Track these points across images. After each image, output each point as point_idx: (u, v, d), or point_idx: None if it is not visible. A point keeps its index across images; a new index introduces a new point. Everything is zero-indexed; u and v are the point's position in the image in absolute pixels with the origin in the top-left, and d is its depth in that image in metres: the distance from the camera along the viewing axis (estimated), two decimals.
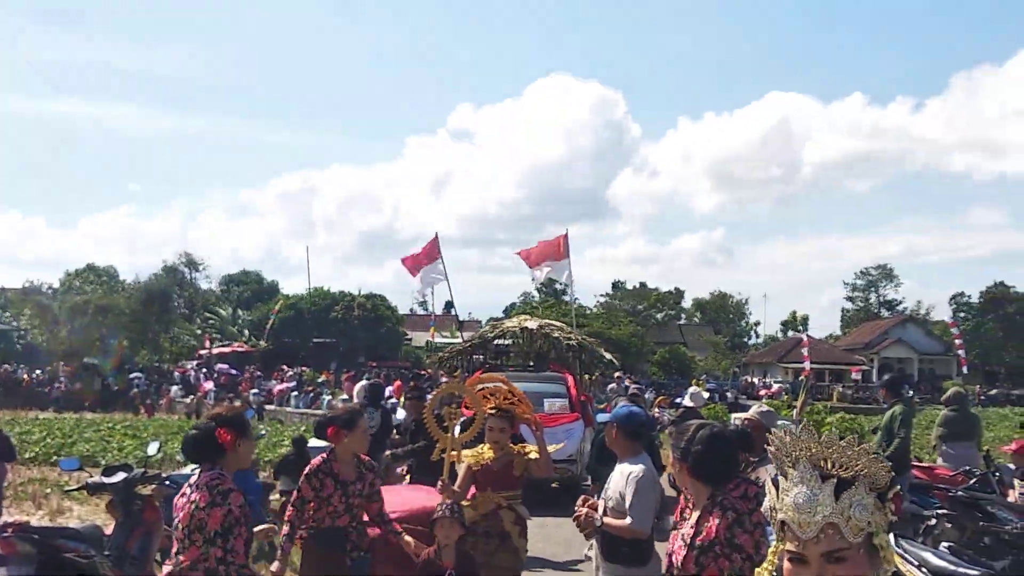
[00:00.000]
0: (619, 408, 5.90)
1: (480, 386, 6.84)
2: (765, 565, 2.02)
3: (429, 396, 16.93)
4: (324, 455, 5.77)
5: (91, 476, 7.82)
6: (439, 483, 6.04)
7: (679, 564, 3.72)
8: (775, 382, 52.36)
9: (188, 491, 4.43)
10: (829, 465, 1.78)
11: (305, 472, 5.70)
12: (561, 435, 11.70)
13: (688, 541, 3.71)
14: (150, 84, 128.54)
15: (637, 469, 5.11)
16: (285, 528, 5.72)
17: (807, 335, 50.17)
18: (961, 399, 11.07)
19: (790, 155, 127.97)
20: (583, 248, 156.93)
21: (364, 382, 13.80)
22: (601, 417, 6.00)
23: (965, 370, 48.87)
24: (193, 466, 10.04)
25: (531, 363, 16.85)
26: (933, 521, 8.17)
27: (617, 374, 20.82)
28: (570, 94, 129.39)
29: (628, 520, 4.97)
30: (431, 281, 23.24)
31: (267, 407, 30.18)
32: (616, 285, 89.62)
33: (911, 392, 44.55)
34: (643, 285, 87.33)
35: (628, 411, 5.53)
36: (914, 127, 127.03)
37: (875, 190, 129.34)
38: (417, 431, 9.22)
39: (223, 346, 45.41)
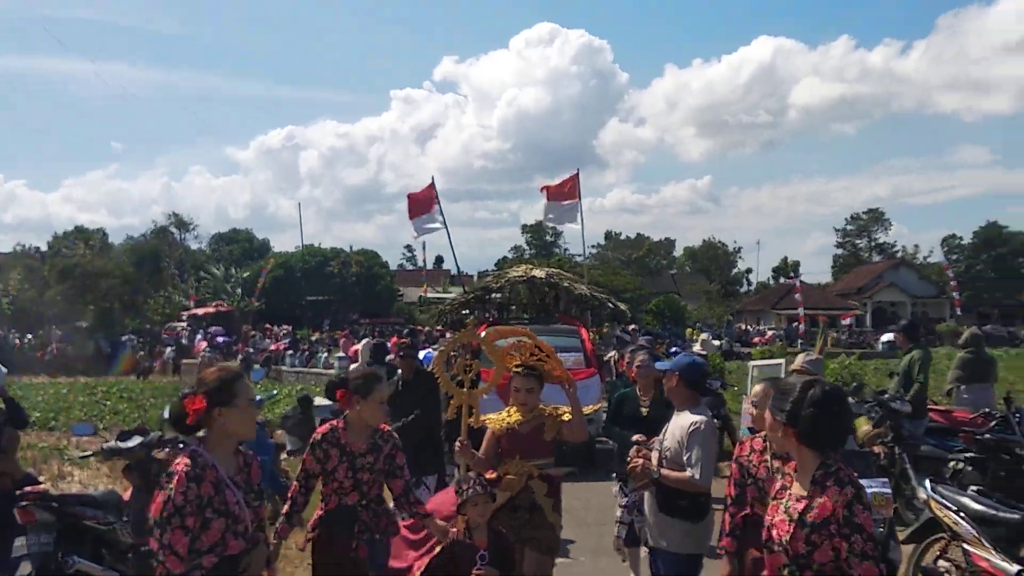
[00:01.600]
0: (681, 357, 5.59)
1: (500, 340, 6.09)
2: None
3: (424, 352, 16.70)
4: (333, 422, 5.18)
5: (106, 441, 7.66)
6: (457, 444, 5.49)
7: (784, 542, 3.22)
8: (768, 329, 52.46)
9: None
10: None
11: (310, 442, 5.12)
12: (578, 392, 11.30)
13: (796, 517, 3.20)
14: (131, 41, 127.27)
15: (699, 420, 4.96)
16: (286, 506, 5.14)
17: (800, 281, 50.20)
18: (977, 341, 10.96)
19: (777, 100, 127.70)
20: None
21: (368, 340, 13.56)
22: (661, 365, 5.57)
23: (959, 312, 49.21)
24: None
25: (533, 315, 15.75)
26: (960, 465, 8.09)
27: (632, 327, 19.70)
28: (556, 43, 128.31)
29: (689, 472, 4.85)
30: (426, 230, 22.45)
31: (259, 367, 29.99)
32: (609, 235, 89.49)
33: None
34: (639, 235, 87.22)
35: (691, 360, 5.37)
36: (901, 69, 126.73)
37: (862, 133, 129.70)
38: (404, 393, 8.45)
39: (205, 306, 45.28)
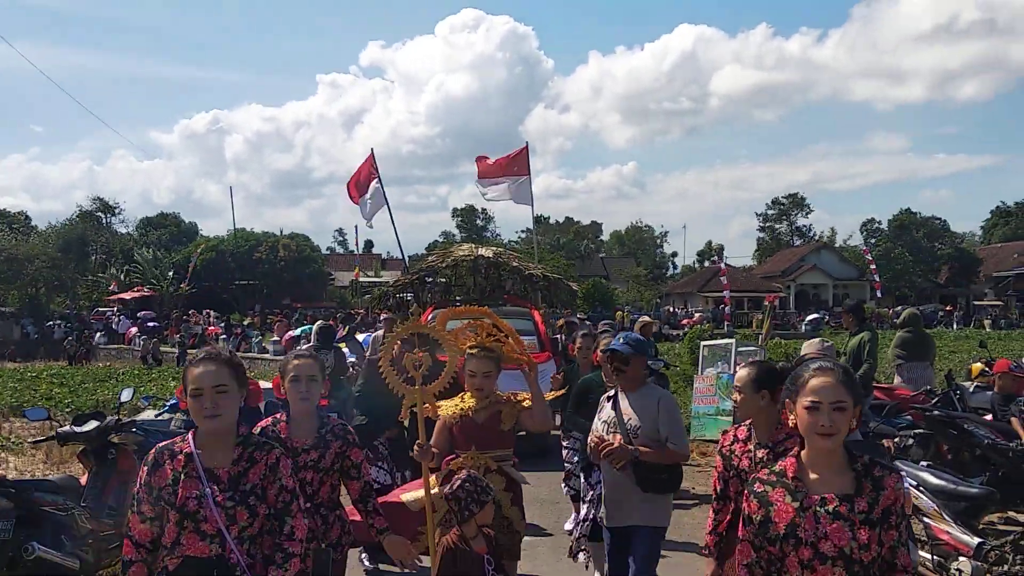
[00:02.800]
0: (631, 337, 5.20)
1: (451, 322, 5.50)
2: None
3: (364, 336, 16.28)
4: (276, 415, 4.60)
5: (61, 425, 7.47)
6: (416, 446, 4.72)
7: (851, 550, 2.79)
8: (696, 311, 53.35)
9: None
10: None
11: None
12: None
13: (856, 517, 2.81)
14: (50, 20, 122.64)
15: (664, 393, 5.03)
16: None
17: (725, 264, 51.08)
18: (915, 320, 11.28)
19: (699, 87, 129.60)
20: None
21: (320, 322, 13.37)
22: (617, 346, 5.01)
23: (879, 294, 50.72)
24: (155, 411, 9.77)
25: (479, 297, 14.41)
26: (909, 441, 8.35)
27: (580, 315, 18.02)
28: (481, 29, 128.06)
29: (672, 445, 4.84)
30: (373, 208, 20.44)
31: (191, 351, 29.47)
32: (538, 220, 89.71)
33: (827, 317, 46.30)
34: (567, 219, 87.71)
35: (642, 339, 5.34)
36: (818, 57, 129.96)
37: (781, 119, 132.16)
38: (371, 381, 7.42)
39: (130, 290, 44.11)
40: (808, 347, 6.75)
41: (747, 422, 4.35)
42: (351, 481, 4.43)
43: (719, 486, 4.38)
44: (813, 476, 2.93)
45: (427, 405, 4.86)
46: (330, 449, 4.35)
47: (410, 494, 5.21)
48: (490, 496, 4.38)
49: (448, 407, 5.00)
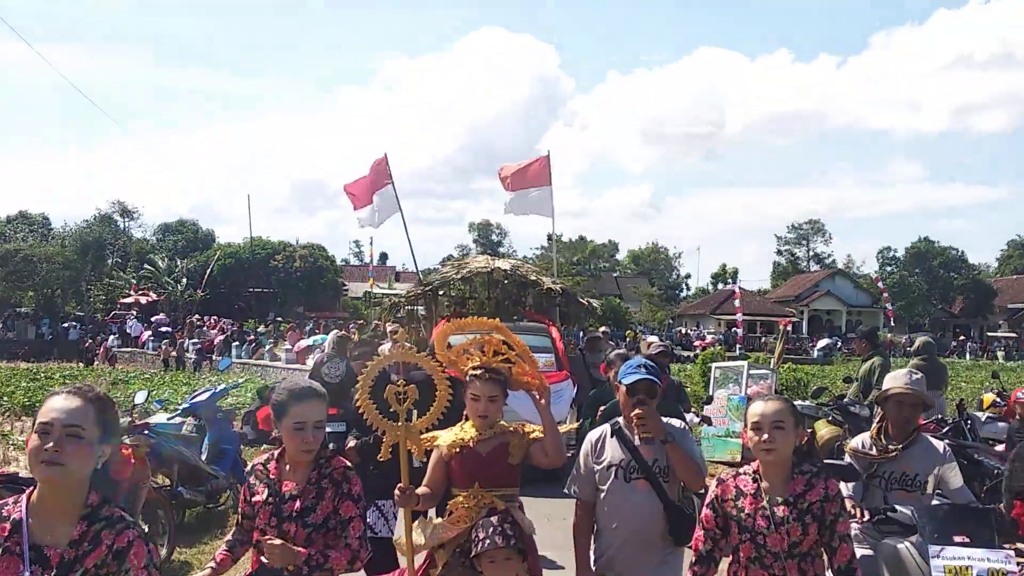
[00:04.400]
0: (642, 363, 4.50)
1: (454, 336, 4.65)
2: None
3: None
4: (273, 450, 3.85)
5: None
6: (397, 491, 3.95)
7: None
8: (708, 333, 53.29)
9: None
10: None
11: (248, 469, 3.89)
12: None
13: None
14: (84, 23, 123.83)
15: (679, 422, 4.50)
16: (224, 540, 3.93)
17: (739, 287, 51.01)
18: (930, 348, 11.23)
19: (717, 111, 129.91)
20: None
21: (335, 332, 13.30)
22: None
23: (892, 322, 50.56)
24: (168, 415, 9.82)
25: (494, 312, 13.92)
26: None
27: (603, 329, 17.03)
28: (502, 47, 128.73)
29: (697, 464, 4.27)
30: (385, 213, 19.16)
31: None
32: (550, 237, 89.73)
33: (840, 343, 46.13)
34: (582, 238, 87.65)
35: (655, 366, 4.56)
36: (837, 84, 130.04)
37: (800, 145, 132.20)
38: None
39: (145, 295, 44.38)
40: (891, 380, 5.09)
41: (751, 469, 3.69)
42: (335, 542, 3.60)
43: (705, 545, 3.72)
44: None
45: (414, 444, 4.14)
46: (323, 501, 3.58)
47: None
48: (496, 544, 3.79)
49: (446, 439, 4.28)
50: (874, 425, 5.03)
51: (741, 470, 3.75)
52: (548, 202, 18.80)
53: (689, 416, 8.65)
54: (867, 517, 4.56)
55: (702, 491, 4.59)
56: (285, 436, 3.61)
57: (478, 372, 4.24)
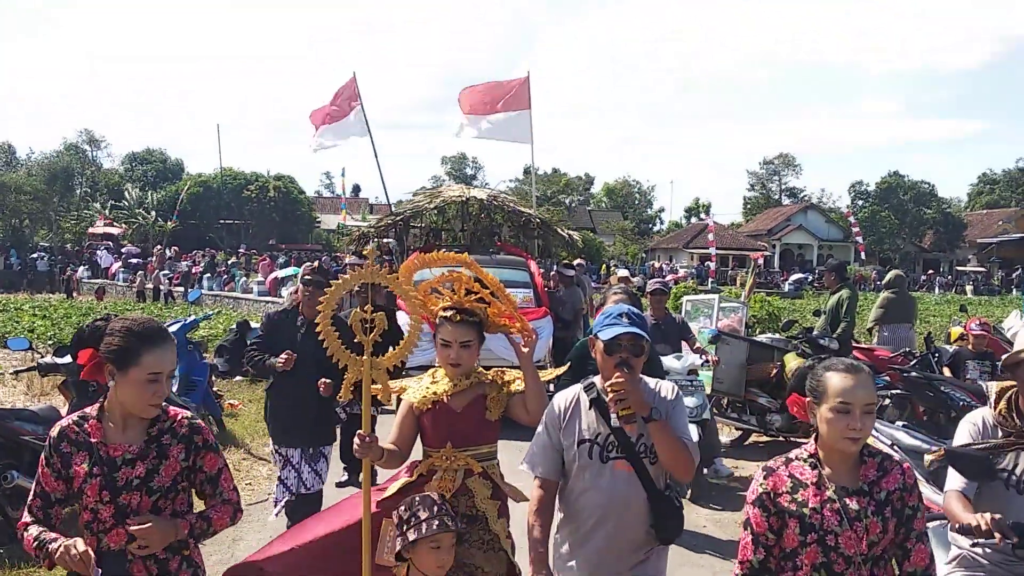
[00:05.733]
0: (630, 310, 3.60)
1: (418, 273, 4.04)
2: None
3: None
4: (86, 409, 3.10)
5: (43, 357, 7.48)
6: (356, 439, 3.43)
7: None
8: (681, 267, 53.48)
9: None
10: None
11: (46, 442, 3.04)
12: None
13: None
14: None
15: (670, 384, 3.57)
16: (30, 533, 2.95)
17: (713, 221, 51.10)
18: (900, 282, 11.37)
19: (691, 46, 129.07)
20: None
21: (307, 265, 13.01)
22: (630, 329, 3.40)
23: (863, 256, 50.98)
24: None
25: (468, 244, 13.53)
26: (886, 401, 8.45)
27: (578, 261, 15.77)
28: None
29: (688, 451, 3.35)
30: (350, 132, 18.15)
31: (178, 289, 29.46)
32: (527, 170, 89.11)
33: (811, 277, 46.49)
34: (555, 171, 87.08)
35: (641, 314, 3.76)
36: (813, 19, 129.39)
37: (774, 79, 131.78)
38: (306, 338, 6.08)
39: (115, 226, 43.81)
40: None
41: (807, 453, 2.95)
42: (208, 500, 3.13)
43: (756, 555, 2.89)
44: None
45: (377, 385, 3.54)
46: (168, 460, 3.00)
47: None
48: (447, 527, 3.26)
49: (416, 390, 3.75)
50: (993, 398, 3.58)
51: (792, 454, 2.98)
52: (527, 127, 17.68)
53: (695, 358, 8.20)
54: (1013, 539, 3.02)
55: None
56: (129, 388, 2.92)
57: (449, 314, 3.67)
